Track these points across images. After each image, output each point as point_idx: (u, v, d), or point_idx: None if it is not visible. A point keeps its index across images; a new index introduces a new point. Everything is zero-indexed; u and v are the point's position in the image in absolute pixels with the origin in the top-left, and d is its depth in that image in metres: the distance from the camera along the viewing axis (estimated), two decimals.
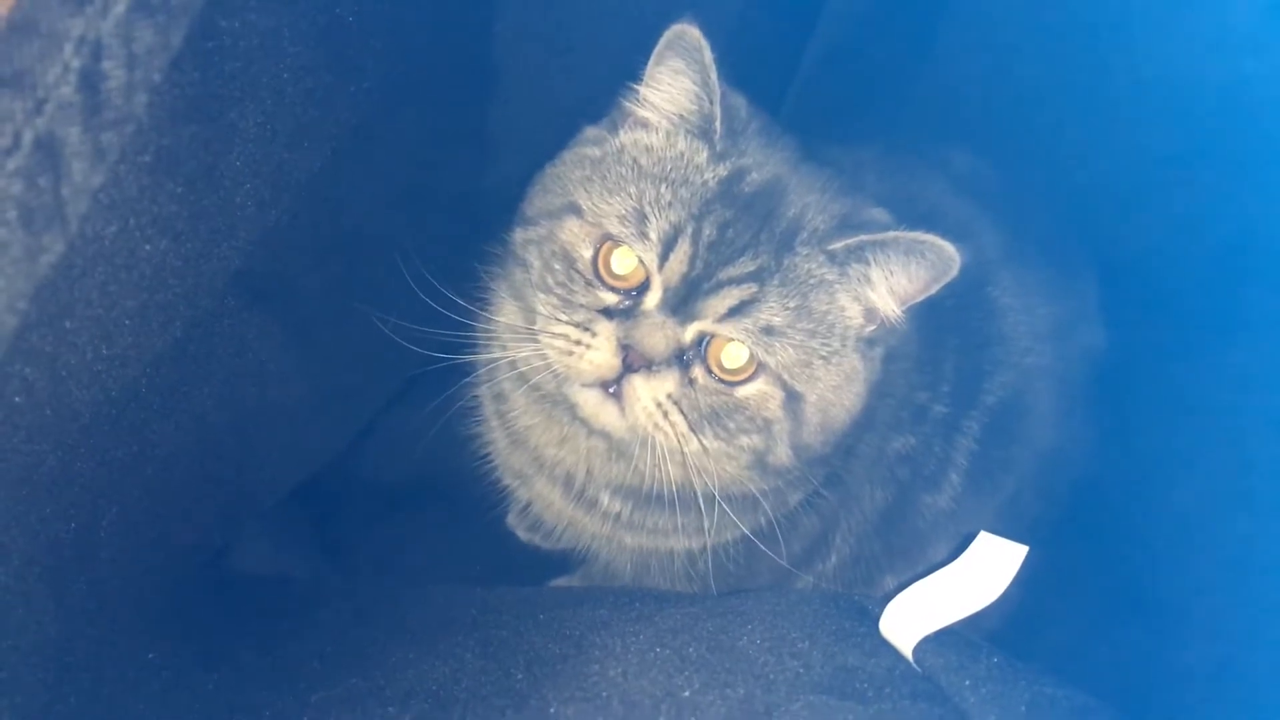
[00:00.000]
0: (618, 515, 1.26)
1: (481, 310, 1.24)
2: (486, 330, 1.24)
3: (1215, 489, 1.33)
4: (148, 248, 0.85)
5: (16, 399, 0.79)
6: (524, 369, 1.17)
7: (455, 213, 1.44)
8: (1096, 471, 1.43)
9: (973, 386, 1.32)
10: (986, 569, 1.06)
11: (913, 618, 1.04)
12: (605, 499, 1.26)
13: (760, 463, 1.13)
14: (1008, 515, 1.36)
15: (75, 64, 0.69)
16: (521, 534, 1.58)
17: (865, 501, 1.31)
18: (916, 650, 1.01)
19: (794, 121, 1.56)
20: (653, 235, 1.05)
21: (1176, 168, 1.46)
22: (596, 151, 1.14)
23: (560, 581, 1.55)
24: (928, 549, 1.35)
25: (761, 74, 1.83)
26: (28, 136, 0.68)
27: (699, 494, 1.14)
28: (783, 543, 1.23)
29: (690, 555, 1.27)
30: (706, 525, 1.18)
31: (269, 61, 0.89)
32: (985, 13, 1.73)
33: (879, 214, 1.14)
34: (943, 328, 1.27)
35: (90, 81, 0.70)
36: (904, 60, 1.85)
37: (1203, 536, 1.33)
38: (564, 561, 1.51)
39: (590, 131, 1.19)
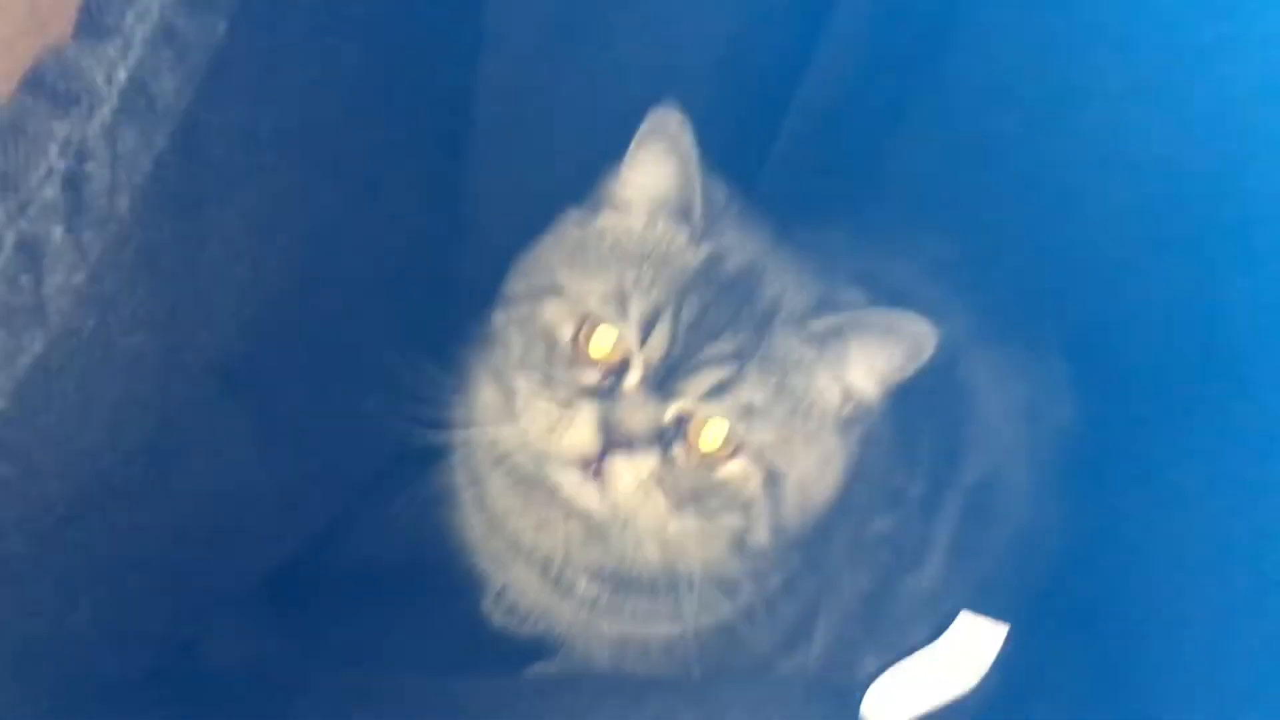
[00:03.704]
0: (594, 600, 1.24)
1: (459, 392, 1.23)
2: (464, 411, 1.24)
3: (1192, 564, 1.34)
4: (125, 340, 0.85)
5: None
6: (503, 449, 1.16)
7: (433, 295, 1.44)
8: (1074, 548, 1.43)
9: (949, 466, 1.32)
10: (967, 650, 1.06)
11: (894, 703, 1.03)
12: (582, 584, 1.24)
13: (739, 544, 1.12)
14: (987, 593, 1.35)
15: (60, 166, 0.70)
16: (498, 619, 1.55)
17: (846, 587, 1.30)
18: None
19: (769, 198, 1.58)
20: (633, 315, 1.06)
21: (1146, 247, 1.49)
22: (579, 233, 1.15)
23: (538, 668, 1.52)
24: (909, 629, 1.33)
25: (739, 151, 1.86)
26: (10, 238, 0.69)
27: (678, 577, 1.13)
28: (764, 628, 1.22)
29: (668, 642, 1.26)
30: (685, 610, 1.16)
31: (246, 157, 0.90)
32: (954, 104, 1.78)
33: (855, 295, 1.15)
34: (917, 409, 1.28)
35: (74, 183, 0.71)
36: (878, 140, 1.89)
37: (1181, 612, 1.33)
38: (541, 647, 1.49)
39: (573, 214, 1.20)
